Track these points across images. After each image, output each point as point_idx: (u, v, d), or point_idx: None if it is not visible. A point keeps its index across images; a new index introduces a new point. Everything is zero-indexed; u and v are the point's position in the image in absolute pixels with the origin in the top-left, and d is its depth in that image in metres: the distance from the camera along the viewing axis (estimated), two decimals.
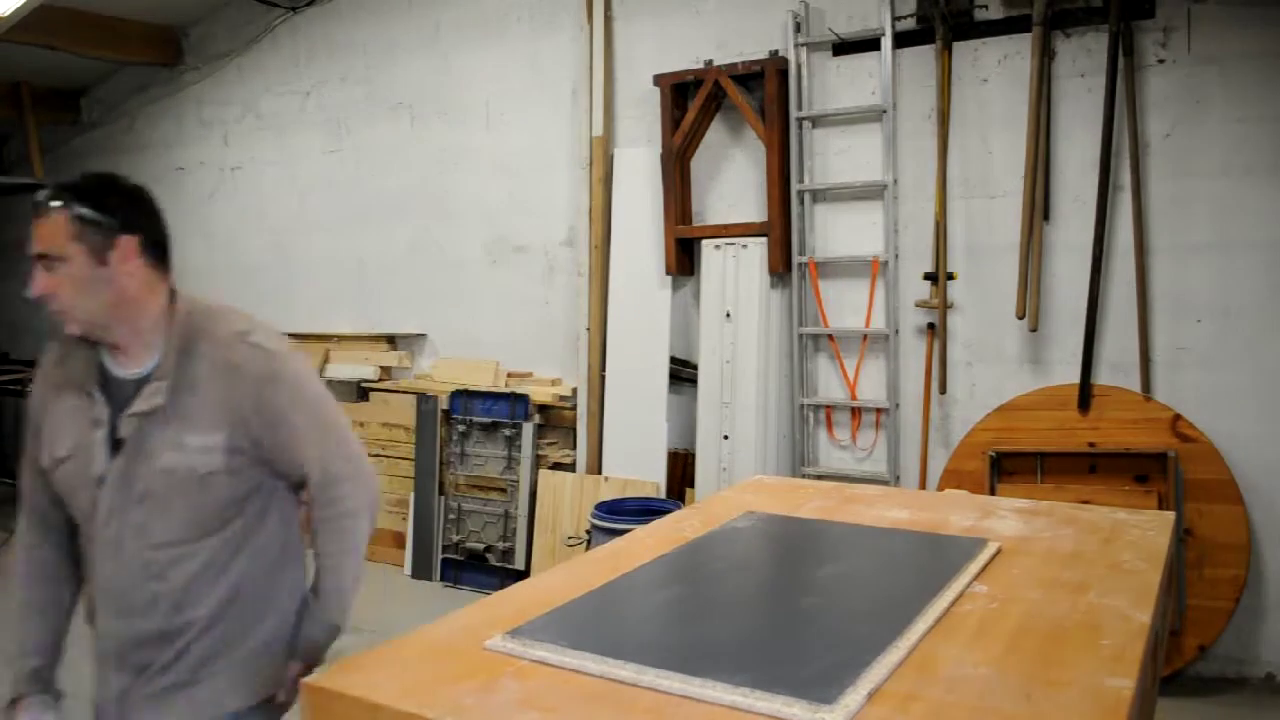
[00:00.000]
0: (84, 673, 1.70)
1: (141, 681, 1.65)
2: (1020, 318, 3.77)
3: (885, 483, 4.06)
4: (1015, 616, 1.58)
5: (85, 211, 1.59)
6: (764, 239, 4.27)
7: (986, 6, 3.85)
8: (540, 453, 4.93)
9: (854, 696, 1.27)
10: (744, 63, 4.26)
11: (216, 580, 1.65)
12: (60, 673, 1.76)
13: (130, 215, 1.63)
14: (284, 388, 1.66)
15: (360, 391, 5.42)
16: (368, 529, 1.75)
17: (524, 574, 4.67)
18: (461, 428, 5.02)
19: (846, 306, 4.23)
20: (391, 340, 5.53)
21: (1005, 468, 3.80)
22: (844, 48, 4.14)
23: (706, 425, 4.40)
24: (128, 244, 1.61)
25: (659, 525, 2.18)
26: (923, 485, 4.05)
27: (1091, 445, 3.66)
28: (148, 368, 1.64)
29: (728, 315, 4.36)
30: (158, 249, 1.67)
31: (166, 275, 1.69)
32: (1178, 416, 3.57)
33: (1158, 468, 3.55)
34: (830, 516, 2.25)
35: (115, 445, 1.61)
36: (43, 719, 1.70)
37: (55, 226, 1.59)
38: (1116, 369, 3.71)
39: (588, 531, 4.19)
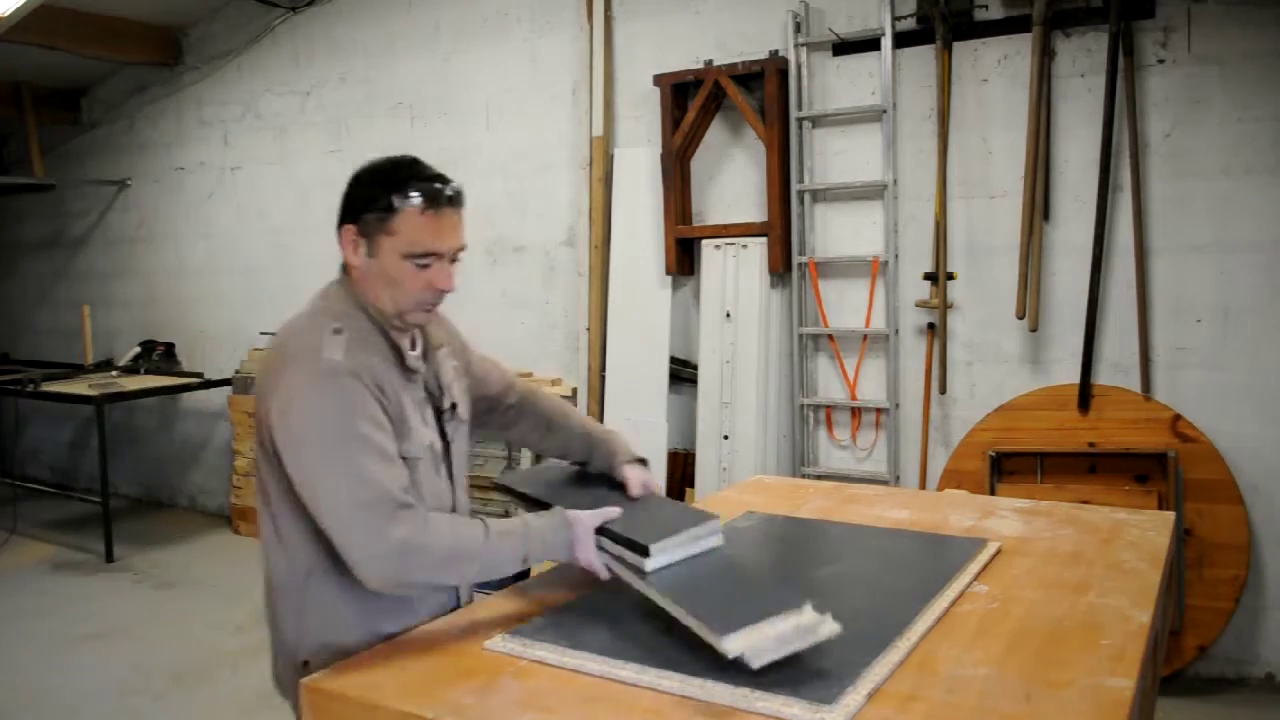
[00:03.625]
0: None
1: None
2: (1020, 318, 3.77)
3: (885, 483, 4.06)
4: (1015, 616, 1.58)
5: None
6: (764, 239, 4.27)
7: (986, 6, 3.85)
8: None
9: (854, 696, 1.27)
10: (744, 63, 4.26)
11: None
12: None
13: None
14: (454, 329, 1.91)
15: None
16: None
17: (524, 574, 4.66)
18: None
19: (846, 306, 4.23)
20: None
21: (1005, 468, 3.80)
22: (844, 48, 4.14)
23: (706, 425, 4.40)
24: None
25: None
26: (923, 485, 4.05)
27: (1091, 445, 3.66)
28: (418, 341, 1.73)
29: (728, 315, 4.36)
30: None
31: None
32: (1178, 416, 3.57)
33: (1158, 468, 3.55)
34: (830, 516, 2.25)
35: (438, 420, 1.73)
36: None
37: (460, 218, 1.63)
38: (1116, 369, 3.71)
39: None
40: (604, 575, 1.63)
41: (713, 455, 4.37)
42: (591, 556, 1.61)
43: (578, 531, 1.62)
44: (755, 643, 1.31)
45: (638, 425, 4.56)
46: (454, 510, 1.75)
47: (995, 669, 1.37)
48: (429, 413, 1.71)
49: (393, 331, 1.66)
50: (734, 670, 1.32)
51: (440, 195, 1.57)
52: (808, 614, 1.39)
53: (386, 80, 5.51)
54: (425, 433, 1.67)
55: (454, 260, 1.64)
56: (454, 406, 1.75)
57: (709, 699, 1.29)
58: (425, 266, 1.58)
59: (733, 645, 1.30)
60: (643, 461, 1.92)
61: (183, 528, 6.19)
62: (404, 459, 1.60)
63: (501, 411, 1.98)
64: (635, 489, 1.82)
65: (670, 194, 4.46)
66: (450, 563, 1.54)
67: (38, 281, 7.54)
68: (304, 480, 1.53)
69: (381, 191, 1.58)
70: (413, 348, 1.70)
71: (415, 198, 1.56)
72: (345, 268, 1.68)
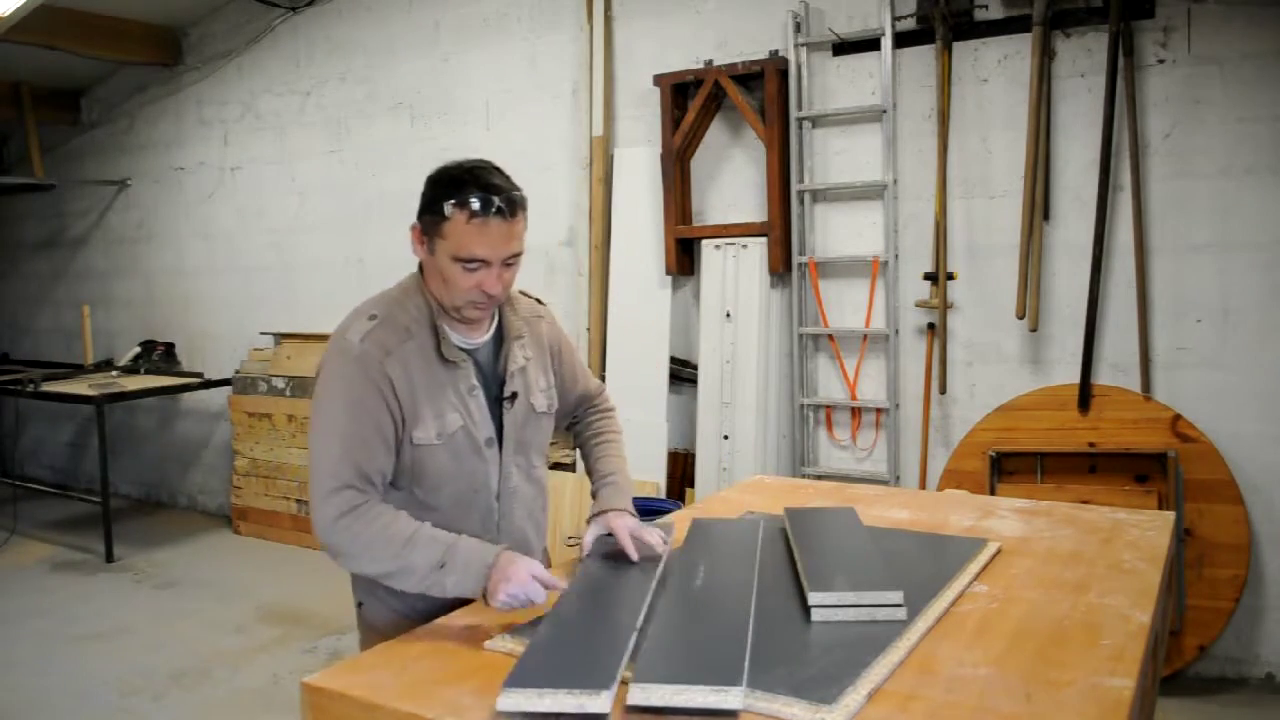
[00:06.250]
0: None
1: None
2: (1020, 318, 3.77)
3: (885, 483, 4.06)
4: (1015, 616, 1.58)
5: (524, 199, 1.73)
6: (764, 239, 4.27)
7: (986, 6, 3.85)
8: None
9: (854, 696, 1.27)
10: (744, 63, 4.26)
11: (547, 492, 1.99)
12: None
13: None
14: (558, 328, 2.03)
15: None
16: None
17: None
18: None
19: (846, 306, 4.23)
20: None
21: (1005, 468, 3.80)
22: (844, 48, 4.14)
23: (706, 425, 4.40)
24: None
25: None
26: (923, 485, 4.05)
27: (1091, 445, 3.66)
28: (489, 332, 1.82)
29: (728, 315, 4.36)
30: None
31: None
32: (1178, 416, 3.57)
33: (1158, 468, 3.55)
34: None
35: (493, 406, 1.80)
36: (530, 559, 1.64)
37: (514, 227, 1.68)
38: (1116, 369, 3.71)
39: None
40: (504, 606, 1.57)
41: (713, 455, 4.37)
42: (505, 598, 1.56)
43: (506, 567, 1.59)
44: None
45: (638, 425, 4.56)
46: (498, 495, 1.82)
47: (995, 669, 1.37)
48: (478, 399, 1.78)
49: (451, 322, 1.77)
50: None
51: (489, 205, 1.63)
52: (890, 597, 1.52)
53: (386, 80, 5.51)
54: (455, 417, 1.74)
55: (508, 265, 1.70)
56: (513, 395, 1.82)
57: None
58: (474, 270, 1.66)
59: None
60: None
61: (183, 528, 6.19)
62: (415, 445, 1.71)
63: (570, 423, 2.14)
64: (626, 545, 1.79)
65: (670, 194, 4.46)
66: (369, 550, 1.64)
67: (38, 281, 7.54)
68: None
69: (439, 196, 1.66)
70: (482, 332, 1.82)
71: (464, 206, 1.63)
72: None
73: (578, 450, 2.15)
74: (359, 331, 1.70)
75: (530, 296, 2.00)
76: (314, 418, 1.71)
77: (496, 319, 1.86)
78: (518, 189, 1.70)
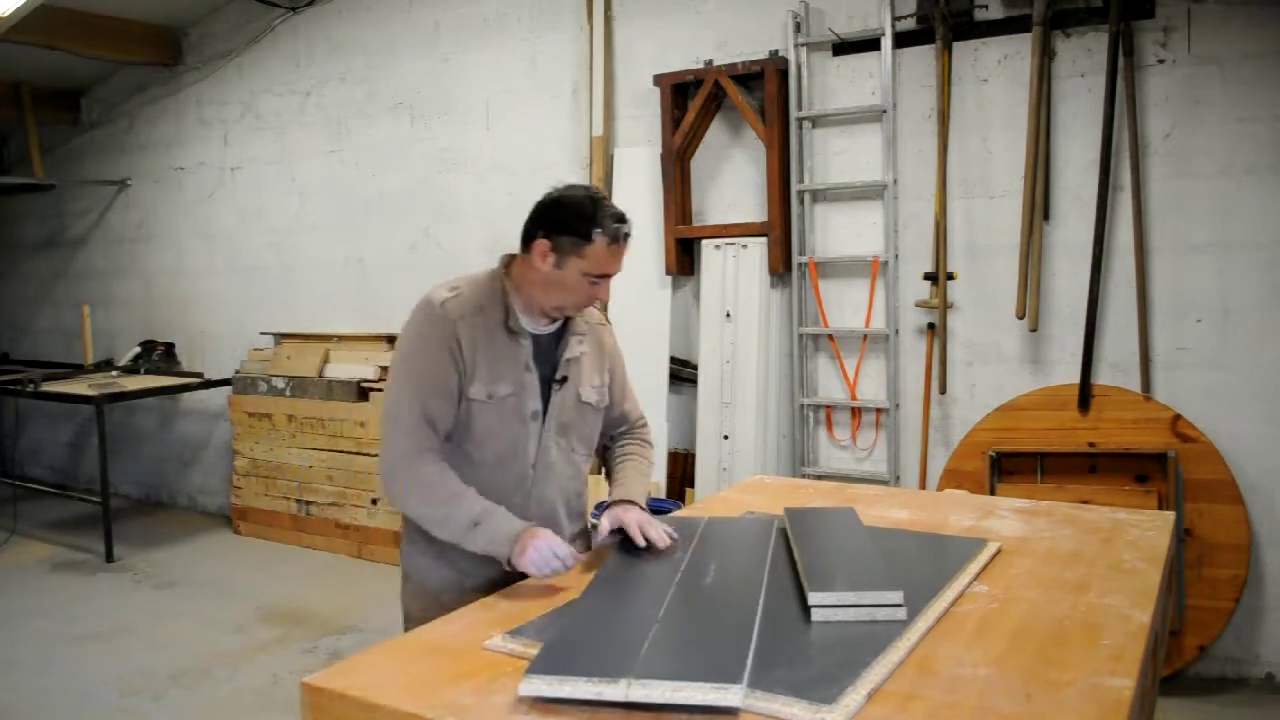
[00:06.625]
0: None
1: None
2: (1020, 318, 3.77)
3: (885, 483, 4.05)
4: (1015, 616, 1.58)
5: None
6: (764, 239, 4.27)
7: (986, 6, 3.85)
8: None
9: (854, 696, 1.27)
10: (744, 63, 4.26)
11: (586, 483, 2.19)
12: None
13: None
14: (617, 345, 2.25)
15: (360, 391, 5.41)
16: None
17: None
18: None
19: (846, 306, 4.23)
20: (391, 340, 5.52)
21: (1005, 468, 3.80)
22: (844, 48, 4.14)
23: (706, 425, 4.40)
24: None
25: None
26: (923, 485, 4.05)
27: (1091, 445, 3.66)
28: (555, 326, 2.06)
29: (728, 315, 4.36)
30: None
31: None
32: (1178, 416, 3.57)
33: (1158, 468, 3.55)
34: None
35: (544, 386, 2.02)
36: (552, 534, 1.90)
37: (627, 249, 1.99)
38: (1116, 369, 3.71)
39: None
40: (540, 573, 1.85)
41: (713, 455, 4.37)
42: (529, 567, 1.84)
43: (528, 540, 1.86)
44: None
45: None
46: (534, 464, 2.03)
47: (995, 669, 1.37)
48: (531, 373, 2.00)
49: (525, 311, 2.02)
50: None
51: (622, 233, 1.95)
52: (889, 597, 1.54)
53: (386, 80, 5.51)
54: (506, 385, 1.97)
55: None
56: (564, 379, 2.05)
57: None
58: (595, 283, 1.98)
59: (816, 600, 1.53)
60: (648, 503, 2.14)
61: (183, 528, 6.19)
62: (470, 399, 1.95)
63: (604, 446, 2.29)
64: (634, 534, 1.97)
65: (670, 194, 4.46)
66: (421, 491, 1.92)
67: (38, 281, 7.54)
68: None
69: (584, 223, 1.92)
70: (550, 324, 2.06)
71: (609, 233, 1.93)
72: (508, 261, 2.05)
73: (603, 471, 2.28)
74: (440, 298, 1.98)
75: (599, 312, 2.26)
76: (394, 364, 2.00)
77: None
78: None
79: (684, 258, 4.53)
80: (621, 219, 1.96)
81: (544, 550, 1.84)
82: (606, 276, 1.99)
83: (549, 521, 2.01)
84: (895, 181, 4.04)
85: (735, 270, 4.34)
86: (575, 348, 2.08)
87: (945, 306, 3.96)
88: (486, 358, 1.96)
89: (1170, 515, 2.23)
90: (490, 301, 2.01)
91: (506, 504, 1.94)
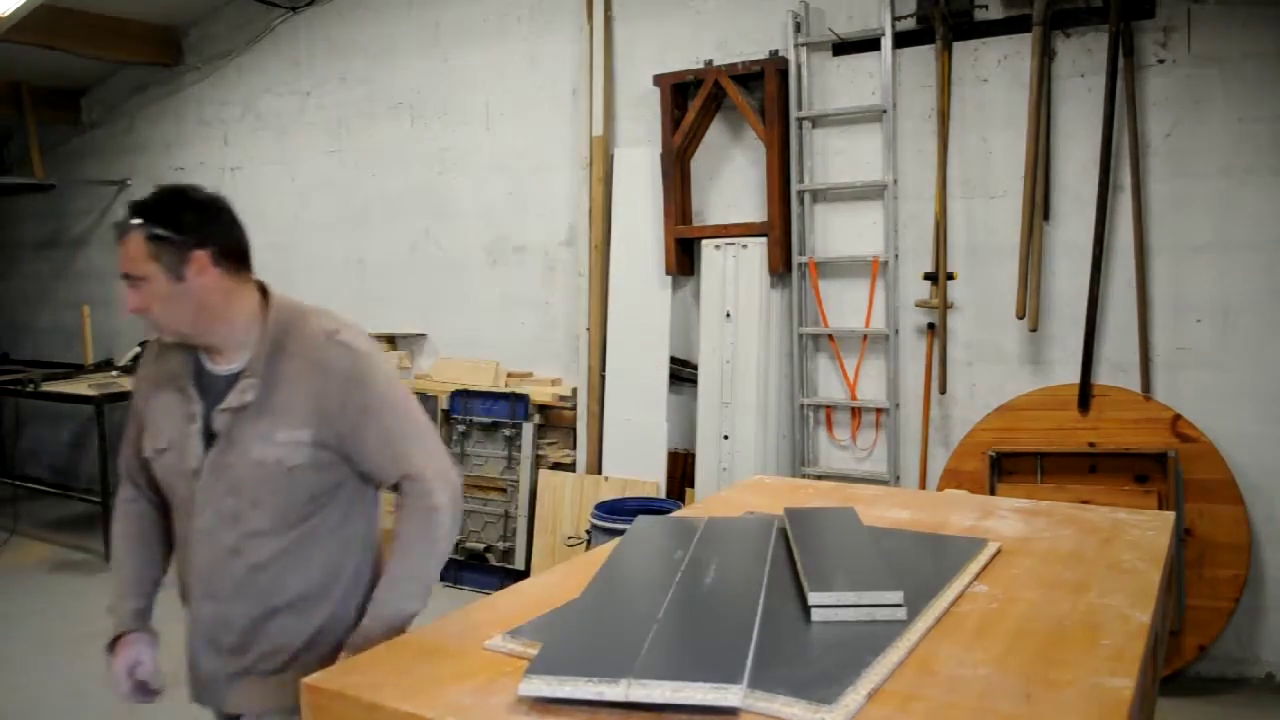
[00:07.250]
0: (178, 653, 1.88)
1: (231, 662, 1.77)
2: (1020, 318, 3.77)
3: (885, 483, 4.05)
4: (1015, 616, 1.57)
5: (160, 231, 1.62)
6: (764, 239, 4.27)
7: (986, 6, 3.85)
8: (540, 453, 4.93)
9: (854, 696, 1.27)
10: (744, 63, 4.26)
11: (299, 569, 1.73)
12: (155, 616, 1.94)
13: (203, 229, 1.66)
14: (370, 387, 1.71)
15: None
16: (451, 526, 1.75)
17: (524, 574, 4.67)
18: (461, 428, 5.02)
19: (846, 306, 4.23)
20: (391, 340, 5.53)
21: (1005, 468, 3.80)
22: (844, 48, 4.14)
23: (706, 425, 4.40)
24: (202, 258, 1.65)
25: None
26: (923, 485, 4.05)
27: (1091, 445, 3.66)
28: (239, 365, 1.71)
29: (728, 315, 4.36)
30: (234, 257, 1.71)
31: (248, 279, 1.76)
32: (1178, 416, 3.57)
33: (1158, 468, 3.55)
34: None
35: (209, 438, 1.70)
36: (145, 654, 1.84)
37: (134, 247, 1.63)
38: (1116, 369, 3.71)
39: (588, 531, 4.19)
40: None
41: (713, 455, 4.37)
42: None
43: (120, 649, 1.85)
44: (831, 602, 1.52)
45: (638, 425, 4.56)
46: (196, 531, 1.80)
47: (995, 669, 1.37)
48: (194, 424, 1.73)
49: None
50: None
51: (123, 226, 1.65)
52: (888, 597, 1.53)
53: (386, 80, 5.51)
54: (164, 439, 1.80)
55: (133, 284, 1.65)
56: (215, 435, 1.73)
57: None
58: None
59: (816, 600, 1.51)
60: (379, 635, 1.71)
61: None
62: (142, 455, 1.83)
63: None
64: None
65: (670, 194, 4.46)
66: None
67: (38, 281, 7.54)
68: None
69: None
70: (228, 364, 1.76)
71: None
72: None
73: None
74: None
75: (344, 328, 1.77)
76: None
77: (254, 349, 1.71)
78: (147, 212, 1.64)
79: (684, 258, 4.53)
80: (126, 212, 1.65)
81: (116, 672, 1.74)
82: (125, 277, 1.65)
83: (220, 612, 1.74)
84: (895, 181, 4.04)
85: (735, 270, 4.34)
86: (240, 395, 1.67)
87: (945, 306, 3.96)
88: (156, 408, 1.75)
89: (1170, 515, 2.22)
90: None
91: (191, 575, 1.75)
